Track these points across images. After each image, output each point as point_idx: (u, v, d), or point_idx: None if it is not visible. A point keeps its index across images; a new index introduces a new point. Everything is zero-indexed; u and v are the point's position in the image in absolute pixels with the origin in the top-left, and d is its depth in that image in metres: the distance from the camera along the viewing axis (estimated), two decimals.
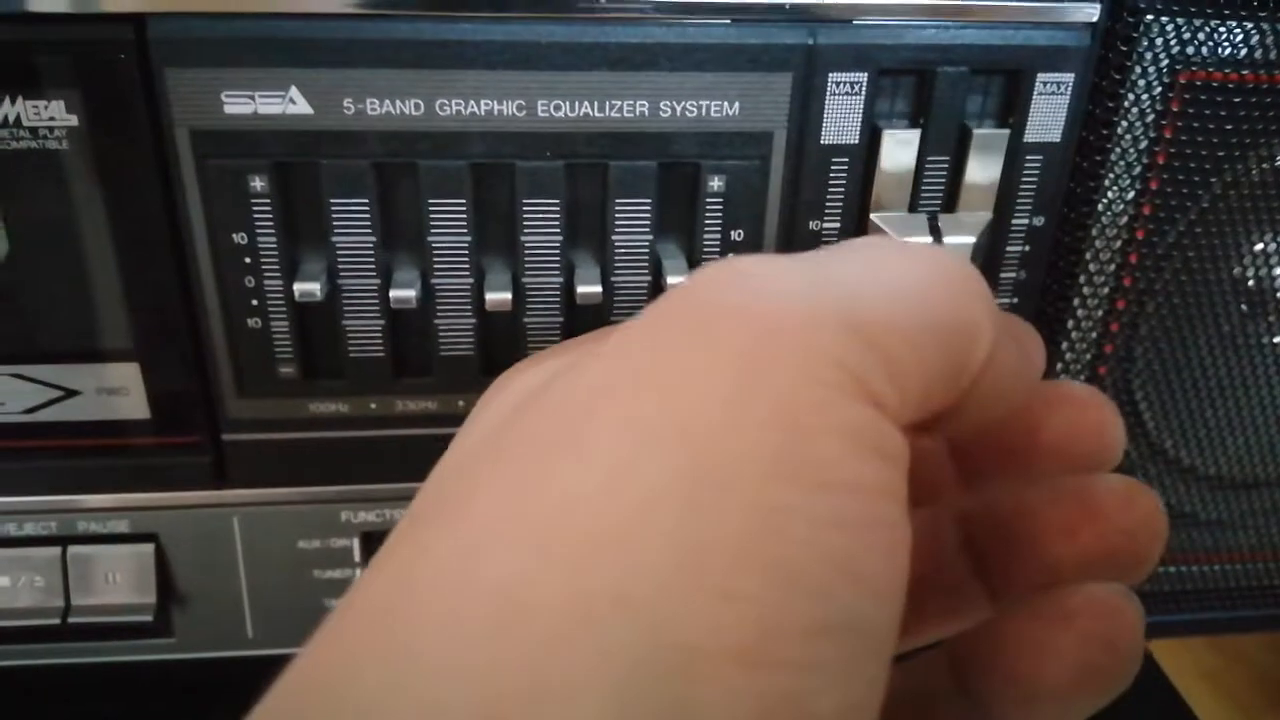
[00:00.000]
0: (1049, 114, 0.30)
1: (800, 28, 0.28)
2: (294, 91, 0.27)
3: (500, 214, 0.30)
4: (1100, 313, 0.33)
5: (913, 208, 0.31)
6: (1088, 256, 0.32)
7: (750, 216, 0.31)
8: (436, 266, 0.30)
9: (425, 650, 0.16)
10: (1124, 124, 0.30)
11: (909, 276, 0.19)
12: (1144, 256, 0.32)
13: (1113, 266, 0.32)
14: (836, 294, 0.18)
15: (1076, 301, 0.33)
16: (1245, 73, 0.30)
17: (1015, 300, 0.33)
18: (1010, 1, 0.29)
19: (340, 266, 0.30)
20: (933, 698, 0.24)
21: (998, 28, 0.29)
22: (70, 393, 0.32)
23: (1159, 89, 0.30)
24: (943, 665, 0.24)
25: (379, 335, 0.31)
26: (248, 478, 0.34)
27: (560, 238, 0.30)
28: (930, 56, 0.29)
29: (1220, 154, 0.31)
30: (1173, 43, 0.29)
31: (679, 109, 0.29)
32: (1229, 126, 0.30)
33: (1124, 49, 0.29)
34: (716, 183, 0.30)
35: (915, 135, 0.30)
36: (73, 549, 0.34)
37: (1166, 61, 0.30)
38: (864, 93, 0.29)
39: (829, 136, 0.30)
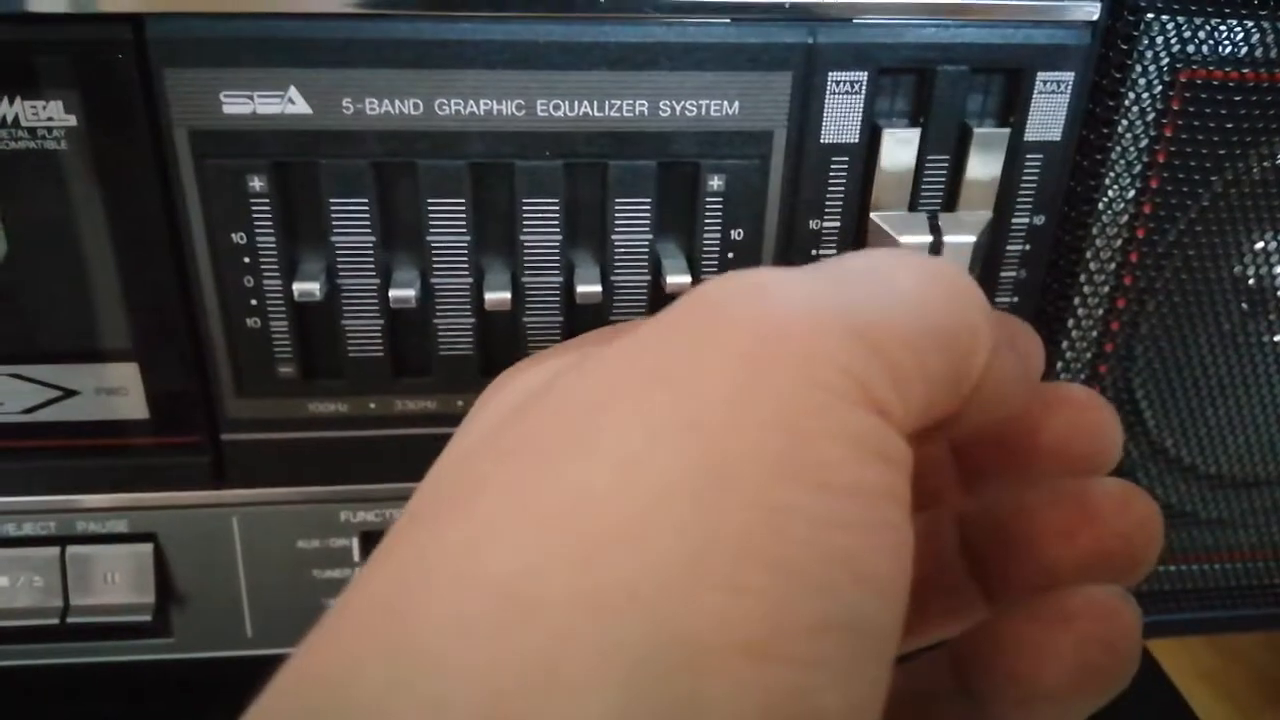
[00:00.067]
0: (1049, 113, 0.30)
1: (800, 27, 0.28)
2: (293, 91, 0.27)
3: (500, 214, 0.30)
4: (1101, 311, 0.33)
5: (913, 207, 0.31)
6: (1088, 255, 0.32)
7: (750, 216, 0.30)
8: (436, 266, 0.30)
9: (429, 647, 0.16)
10: (1124, 122, 0.30)
11: (912, 286, 0.20)
12: (1144, 255, 0.32)
13: (1113, 265, 0.32)
14: (843, 303, 0.18)
15: (1077, 300, 0.33)
16: (1246, 71, 0.30)
17: (1016, 299, 0.33)
18: (1010, 0, 0.29)
19: (339, 266, 0.30)
20: (934, 698, 0.24)
21: (998, 26, 0.29)
22: (69, 393, 0.32)
23: (1159, 87, 0.30)
24: (944, 666, 0.24)
25: (378, 335, 0.31)
26: (247, 477, 0.34)
27: (560, 237, 0.30)
28: (930, 55, 0.29)
29: (1221, 152, 0.31)
30: (1173, 41, 0.29)
31: (679, 108, 0.29)
32: (1229, 125, 0.30)
33: (1124, 47, 0.29)
34: (716, 182, 0.30)
35: (915, 134, 0.30)
36: (71, 549, 0.34)
37: (1167, 60, 0.29)
38: (864, 92, 0.29)
39: (829, 135, 0.30)
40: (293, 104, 0.28)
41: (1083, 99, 0.30)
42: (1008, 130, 0.30)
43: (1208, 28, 0.29)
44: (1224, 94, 0.30)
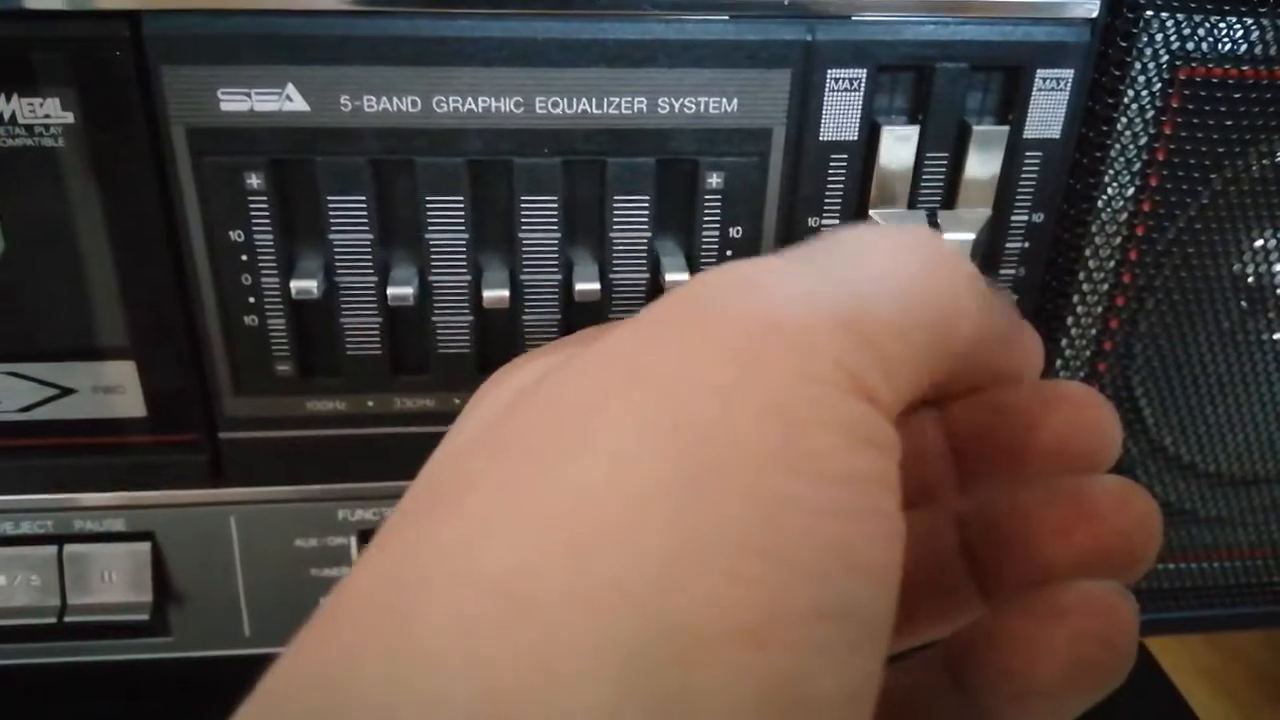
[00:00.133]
0: (1048, 110, 0.30)
1: (799, 24, 0.28)
2: (290, 89, 0.27)
3: (498, 211, 0.30)
4: (1100, 309, 0.33)
5: (912, 204, 0.31)
6: (1087, 253, 0.32)
7: (749, 213, 0.30)
8: (434, 264, 0.30)
9: (425, 643, 0.16)
10: (1124, 120, 0.30)
11: (897, 267, 0.20)
12: (1144, 253, 0.32)
13: (1112, 263, 0.32)
14: (832, 293, 0.19)
15: (1076, 298, 0.33)
16: (1245, 68, 0.30)
17: (1015, 297, 0.33)
18: None
19: (337, 264, 0.30)
20: (929, 696, 0.24)
21: (997, 24, 0.29)
22: (66, 391, 0.32)
23: (1159, 85, 0.30)
24: (938, 663, 0.24)
25: (376, 333, 0.31)
26: (245, 476, 0.34)
27: (558, 235, 0.30)
28: (929, 53, 0.29)
29: (1220, 150, 0.31)
30: (1172, 38, 0.29)
31: (677, 105, 0.29)
32: (1229, 122, 0.30)
33: (1124, 45, 0.29)
34: (715, 179, 0.30)
35: (914, 131, 0.30)
36: (69, 547, 0.34)
37: (1166, 57, 0.29)
38: (863, 89, 0.29)
39: (828, 133, 0.30)
40: (290, 101, 0.27)
41: (1082, 96, 0.30)
42: (1007, 128, 0.30)
43: (1207, 25, 0.29)
44: (1223, 91, 0.30)
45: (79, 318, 0.30)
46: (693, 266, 0.31)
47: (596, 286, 0.30)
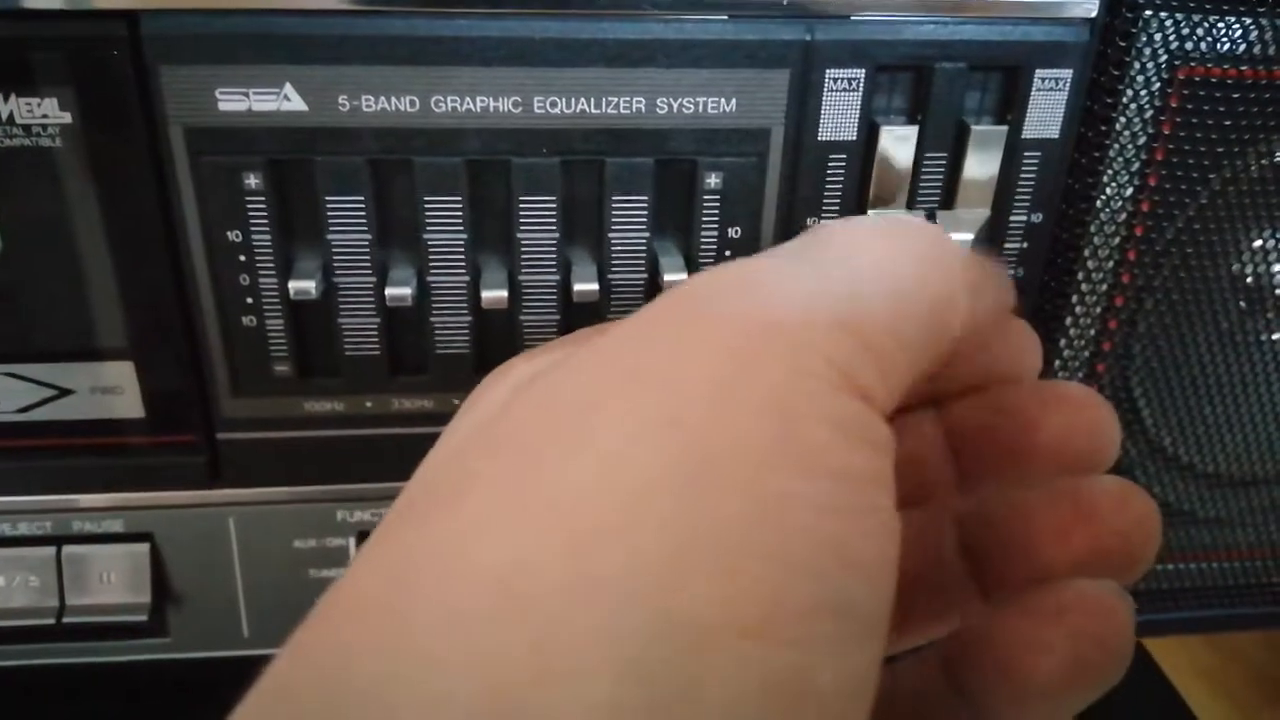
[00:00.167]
0: (1047, 110, 0.30)
1: (798, 24, 0.28)
2: (288, 88, 0.27)
3: (496, 211, 0.30)
4: (1099, 310, 0.33)
5: (910, 204, 0.31)
6: (1086, 253, 0.32)
7: (747, 213, 0.30)
8: (432, 264, 0.30)
9: (425, 642, 0.16)
10: (1122, 120, 0.30)
11: (891, 263, 0.20)
12: (1142, 253, 0.32)
13: (1111, 263, 0.32)
14: (828, 291, 0.19)
15: (1075, 298, 0.33)
16: (1244, 68, 0.30)
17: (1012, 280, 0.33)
18: None
19: (335, 264, 0.30)
20: (924, 697, 0.24)
21: (996, 23, 0.29)
22: (64, 392, 0.32)
23: (1158, 85, 0.30)
24: (934, 665, 0.24)
25: (374, 333, 0.31)
26: (243, 477, 0.34)
27: (557, 235, 0.30)
28: (928, 52, 0.29)
29: (1219, 150, 0.31)
30: (1171, 38, 0.29)
31: (676, 105, 0.29)
32: (1228, 122, 0.30)
33: (1122, 44, 0.29)
34: (714, 180, 0.30)
35: (913, 131, 0.30)
36: (67, 549, 0.34)
37: (1165, 57, 0.29)
38: (862, 89, 0.29)
39: (826, 133, 0.30)
40: (288, 101, 0.27)
41: (1081, 96, 0.30)
42: (1005, 128, 0.30)
43: (1206, 25, 0.29)
44: (1222, 91, 0.30)
45: (77, 318, 0.30)
46: (691, 266, 0.31)
47: (595, 287, 0.30)
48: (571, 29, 0.28)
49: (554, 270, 0.31)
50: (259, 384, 0.32)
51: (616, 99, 0.28)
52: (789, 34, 0.28)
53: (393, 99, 0.28)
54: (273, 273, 0.30)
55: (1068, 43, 0.29)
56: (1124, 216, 0.31)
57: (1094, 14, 0.29)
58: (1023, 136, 0.30)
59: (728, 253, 0.31)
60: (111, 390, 0.32)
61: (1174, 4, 0.29)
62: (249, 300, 0.30)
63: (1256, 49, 0.30)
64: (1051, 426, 0.25)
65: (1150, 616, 0.39)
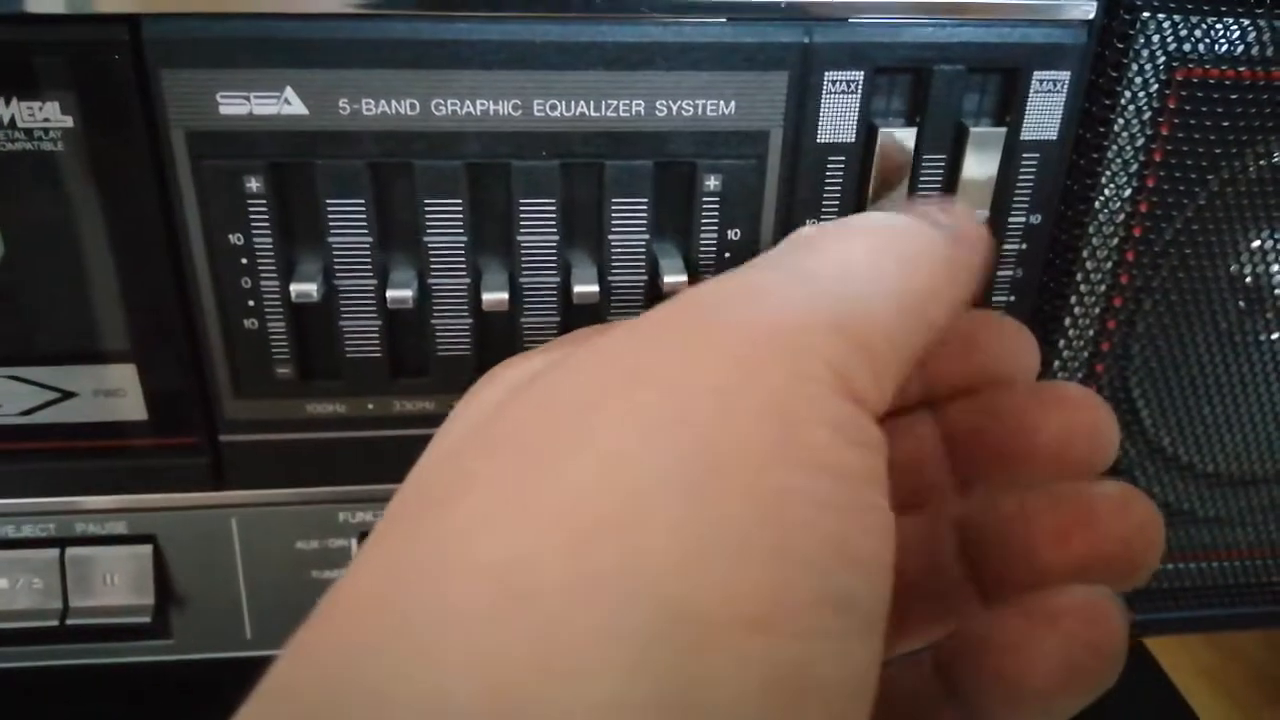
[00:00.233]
0: (1045, 112, 0.30)
1: (796, 26, 0.28)
2: (289, 92, 0.27)
3: (496, 214, 0.30)
4: (1097, 310, 0.33)
5: None
6: (1085, 254, 0.32)
7: (747, 215, 0.30)
8: (433, 267, 0.30)
9: (425, 640, 0.16)
10: (1121, 121, 0.30)
11: (877, 267, 0.21)
12: (1141, 254, 0.32)
13: (1110, 264, 0.32)
14: (821, 298, 0.20)
15: (1074, 299, 0.33)
16: (1242, 70, 0.30)
17: (1012, 299, 0.33)
18: None
19: (337, 267, 0.30)
20: (915, 699, 0.25)
21: (994, 25, 0.29)
22: (67, 394, 0.32)
23: (1156, 86, 0.30)
24: (927, 668, 0.24)
25: (376, 336, 0.31)
26: (245, 479, 0.34)
27: (557, 237, 0.30)
28: (927, 54, 0.29)
29: (1217, 151, 0.31)
30: (1169, 40, 0.29)
31: (675, 108, 0.29)
32: (1226, 123, 0.30)
33: (1120, 46, 0.29)
34: (713, 182, 0.30)
35: (912, 133, 0.30)
36: (71, 551, 0.34)
37: (1163, 58, 0.29)
38: (860, 91, 0.29)
39: (825, 135, 0.30)
40: (289, 104, 0.28)
41: (1079, 98, 0.30)
42: (1004, 130, 0.30)
43: (1204, 26, 0.29)
44: (1220, 92, 0.30)
45: (79, 321, 0.30)
46: (691, 268, 0.31)
47: (595, 289, 0.30)
48: (571, 32, 0.28)
49: (554, 272, 0.31)
50: (261, 386, 0.32)
51: (616, 102, 0.28)
52: (787, 36, 0.28)
53: (393, 102, 0.28)
54: (274, 275, 0.30)
55: (1066, 45, 0.29)
56: (1122, 217, 0.32)
57: (1092, 16, 0.29)
58: (1021, 138, 0.30)
59: (727, 255, 0.31)
60: (114, 393, 0.32)
61: (1172, 6, 0.29)
62: (250, 303, 0.30)
63: (1254, 50, 0.30)
64: (1049, 427, 0.25)
65: (1150, 616, 0.39)
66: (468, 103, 0.28)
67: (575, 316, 0.31)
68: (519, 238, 0.30)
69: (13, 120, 0.27)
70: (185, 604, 0.36)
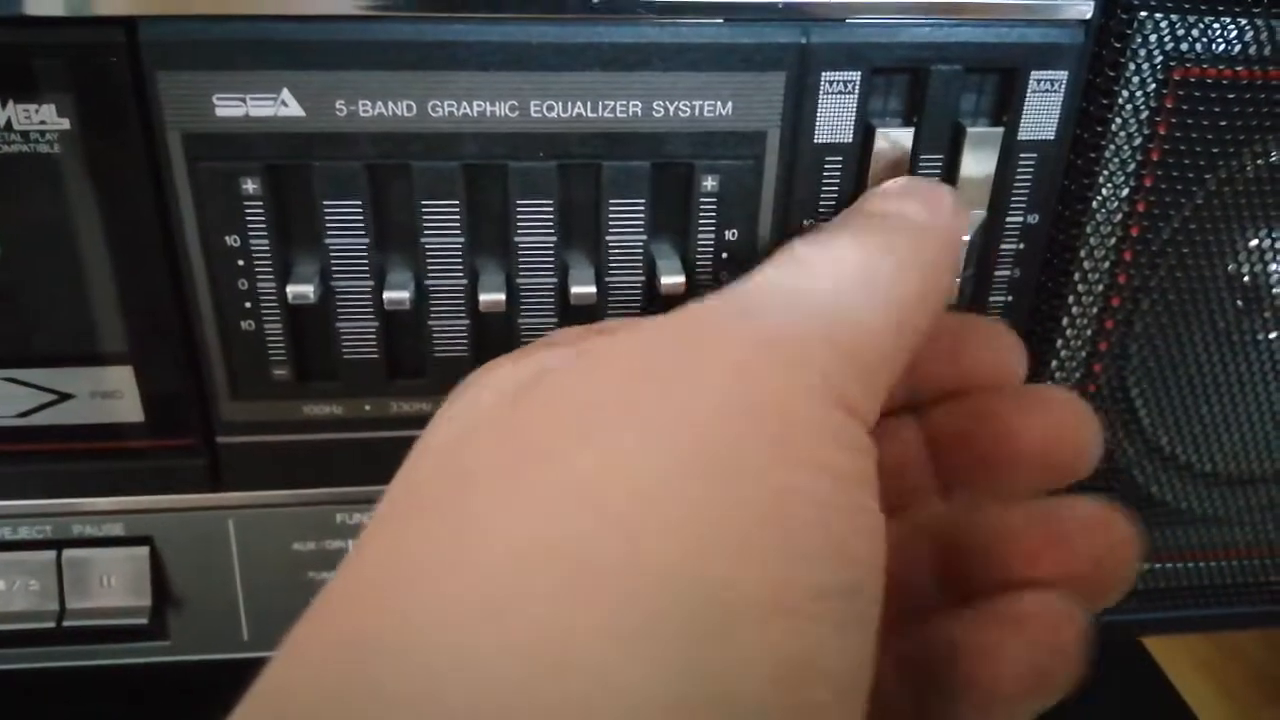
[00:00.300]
0: (1043, 111, 0.30)
1: (793, 26, 0.28)
2: (286, 94, 0.27)
3: (493, 215, 0.30)
4: (1095, 310, 0.33)
5: None
6: (1082, 254, 0.32)
7: (744, 216, 0.30)
8: (430, 268, 0.30)
9: (419, 638, 0.16)
10: (1118, 121, 0.30)
11: (866, 283, 0.22)
12: (1139, 253, 0.32)
13: (1107, 263, 0.32)
14: (817, 315, 0.21)
15: (1071, 299, 0.33)
16: (1239, 69, 0.30)
17: (1010, 298, 0.33)
18: None
19: (333, 268, 0.30)
20: (875, 698, 0.25)
21: (991, 25, 0.29)
22: (64, 396, 0.32)
23: (1153, 86, 0.30)
24: (888, 666, 0.24)
25: (373, 337, 0.31)
26: (242, 480, 0.34)
27: (554, 238, 0.30)
28: (924, 55, 0.29)
29: (1215, 150, 0.31)
30: (1167, 39, 0.29)
31: (672, 109, 0.29)
32: (1223, 123, 0.30)
33: (1118, 46, 0.29)
34: (710, 182, 0.30)
35: (909, 133, 0.30)
36: (67, 552, 0.34)
37: (1160, 58, 0.29)
38: (857, 91, 0.29)
39: (822, 135, 0.30)
40: (286, 106, 0.28)
41: (1076, 97, 0.30)
42: (1001, 129, 0.30)
43: (1201, 25, 0.29)
44: (1218, 92, 0.30)
45: (76, 323, 0.30)
46: (688, 269, 0.31)
47: (593, 290, 0.30)
48: (568, 33, 0.28)
49: (552, 273, 0.31)
50: (258, 388, 0.32)
51: (613, 102, 0.28)
52: (784, 37, 0.28)
53: (390, 104, 0.28)
54: (271, 277, 0.30)
55: (1063, 44, 0.29)
56: (1120, 217, 0.32)
57: (1089, 15, 0.29)
58: (1018, 138, 0.30)
59: (724, 255, 0.31)
60: (111, 394, 0.32)
61: (1169, 5, 0.29)
62: (247, 304, 0.30)
63: (1252, 50, 0.30)
64: (1031, 431, 0.25)
65: (1148, 615, 0.39)
66: (465, 104, 0.28)
67: (573, 317, 0.31)
68: (516, 239, 0.30)
69: (9, 123, 0.27)
70: (182, 605, 0.36)
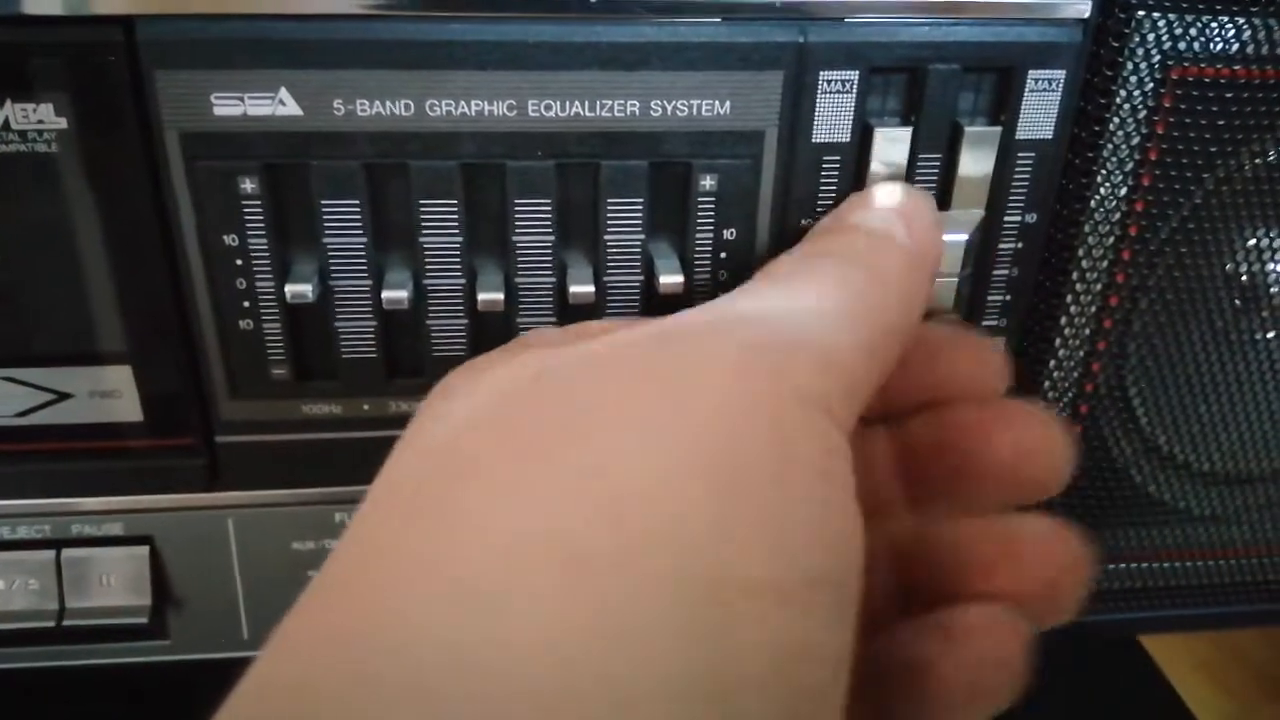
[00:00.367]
0: (1041, 111, 0.30)
1: (791, 26, 0.28)
2: (283, 93, 0.27)
3: (491, 214, 0.30)
4: (1093, 309, 0.33)
5: None
6: (1080, 253, 0.32)
7: (742, 215, 0.30)
8: (428, 267, 0.30)
9: (413, 637, 0.16)
10: (1116, 120, 0.30)
11: (850, 301, 0.23)
12: (1137, 253, 0.32)
13: (1106, 263, 0.32)
14: (803, 330, 0.21)
15: (1070, 298, 0.33)
16: (1237, 68, 0.30)
17: (1008, 297, 0.33)
18: None
19: (332, 268, 0.30)
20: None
21: (989, 24, 0.29)
22: (62, 396, 0.32)
23: (1151, 85, 0.30)
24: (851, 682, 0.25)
25: (371, 336, 0.31)
26: (241, 479, 0.34)
27: (552, 238, 0.30)
28: (922, 54, 0.29)
29: (1213, 149, 0.31)
30: (1164, 38, 0.29)
31: (670, 108, 0.29)
32: (1221, 122, 0.30)
33: (1115, 45, 0.29)
34: (708, 182, 0.30)
35: (907, 133, 0.30)
36: (67, 552, 0.34)
37: (1158, 57, 0.29)
38: (855, 91, 0.29)
39: (820, 135, 0.30)
40: (283, 105, 0.28)
41: (1074, 97, 0.30)
42: (999, 128, 0.30)
43: (1199, 25, 0.29)
44: (1216, 91, 0.30)
45: (75, 323, 0.30)
46: (687, 269, 0.31)
47: (591, 289, 0.30)
48: (566, 32, 0.28)
49: (550, 273, 0.31)
50: (257, 387, 0.32)
51: (611, 102, 0.28)
52: (782, 36, 0.28)
53: (388, 103, 0.28)
54: (269, 276, 0.30)
55: (1061, 43, 0.29)
56: (1118, 216, 0.32)
57: (1087, 14, 0.29)
58: (1016, 137, 0.30)
59: (722, 255, 0.31)
60: (110, 394, 0.32)
61: (1167, 4, 0.29)
62: (246, 304, 0.30)
63: (1249, 48, 0.30)
64: (1002, 445, 0.25)
65: (1147, 614, 0.39)
66: (463, 103, 0.28)
67: (571, 316, 0.31)
68: (514, 238, 0.30)
69: (7, 122, 0.27)
70: (182, 605, 0.36)
